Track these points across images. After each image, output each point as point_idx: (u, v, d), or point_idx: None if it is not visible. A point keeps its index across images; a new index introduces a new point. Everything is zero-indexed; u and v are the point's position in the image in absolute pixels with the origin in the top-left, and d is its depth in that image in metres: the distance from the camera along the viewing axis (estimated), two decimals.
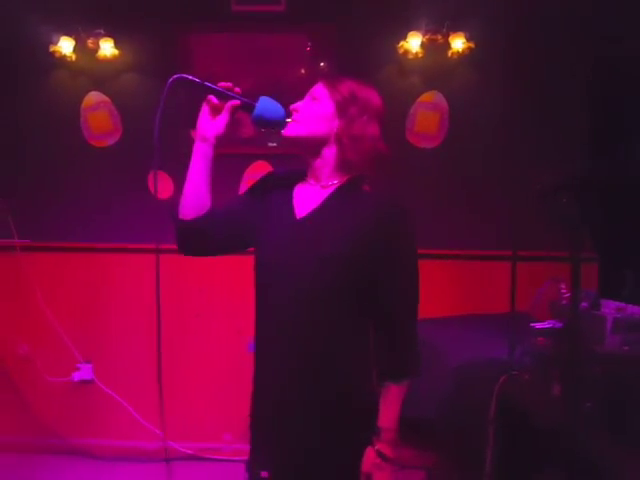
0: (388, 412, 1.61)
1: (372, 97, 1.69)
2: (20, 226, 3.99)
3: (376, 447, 1.59)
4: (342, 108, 1.64)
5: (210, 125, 1.67)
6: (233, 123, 1.69)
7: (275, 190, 1.76)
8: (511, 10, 3.74)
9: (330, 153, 1.67)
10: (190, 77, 1.63)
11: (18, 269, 3.98)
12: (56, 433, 4.02)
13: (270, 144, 3.94)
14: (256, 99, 1.66)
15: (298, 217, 1.66)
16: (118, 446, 3.95)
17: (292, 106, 1.69)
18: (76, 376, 4.02)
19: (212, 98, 1.66)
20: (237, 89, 1.67)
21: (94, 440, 4.00)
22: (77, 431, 4.02)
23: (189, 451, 3.96)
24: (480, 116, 3.88)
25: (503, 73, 3.85)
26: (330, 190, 1.67)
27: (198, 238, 1.72)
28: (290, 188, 1.74)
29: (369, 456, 1.59)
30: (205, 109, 1.68)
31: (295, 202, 1.70)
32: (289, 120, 1.66)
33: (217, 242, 1.74)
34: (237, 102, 1.65)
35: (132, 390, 3.98)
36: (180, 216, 1.71)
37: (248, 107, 1.66)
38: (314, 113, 1.66)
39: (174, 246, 3.66)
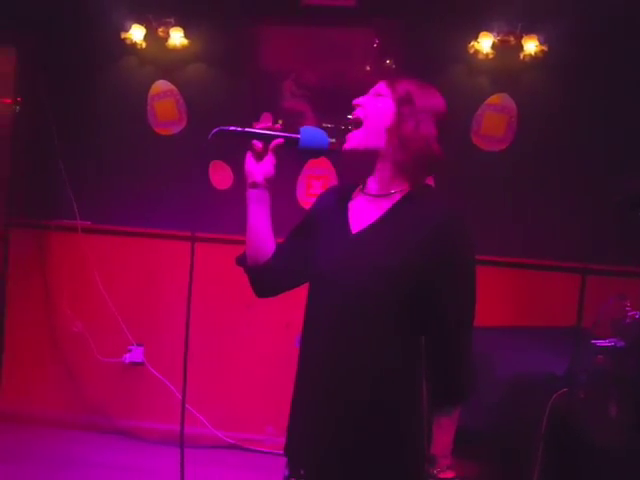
0: (443, 439, 1.56)
1: (431, 99, 1.61)
2: (82, 208, 4.09)
3: (436, 476, 1.54)
4: (399, 103, 1.58)
5: (258, 170, 1.64)
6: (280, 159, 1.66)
7: (331, 205, 1.72)
8: (586, 14, 3.61)
9: (386, 158, 1.60)
10: (231, 128, 1.60)
11: (79, 249, 4.08)
12: (104, 412, 4.10)
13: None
14: (297, 131, 1.63)
15: (353, 232, 1.62)
16: (163, 429, 3.99)
17: (355, 100, 1.65)
18: (127, 358, 4.09)
19: (256, 143, 1.62)
20: (277, 125, 1.64)
21: (140, 422, 4.07)
22: (124, 412, 4.10)
23: (232, 440, 3.98)
24: (550, 121, 3.76)
25: (576, 78, 3.73)
26: (386, 206, 1.61)
27: (270, 280, 1.73)
28: (345, 202, 1.70)
29: None
30: (249, 156, 1.65)
31: (350, 216, 1.66)
32: (333, 140, 1.62)
33: (289, 280, 1.74)
34: (281, 140, 1.62)
35: (181, 376, 4.02)
36: (249, 264, 1.72)
37: (292, 142, 1.62)
38: (373, 108, 1.61)
39: (227, 236, 3.68)
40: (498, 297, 3.60)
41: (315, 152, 1.66)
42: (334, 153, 1.66)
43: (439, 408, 1.55)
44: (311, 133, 1.62)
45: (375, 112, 1.61)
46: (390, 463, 1.54)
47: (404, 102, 1.58)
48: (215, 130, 1.59)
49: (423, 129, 1.57)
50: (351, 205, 1.68)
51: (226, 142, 1.62)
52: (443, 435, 1.55)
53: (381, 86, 1.65)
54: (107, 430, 4.06)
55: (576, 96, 3.72)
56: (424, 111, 1.58)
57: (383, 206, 1.61)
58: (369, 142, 1.60)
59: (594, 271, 2.62)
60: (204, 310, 3.81)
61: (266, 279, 1.72)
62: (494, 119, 3.83)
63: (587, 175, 3.64)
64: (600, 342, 2.16)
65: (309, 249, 1.68)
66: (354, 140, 1.61)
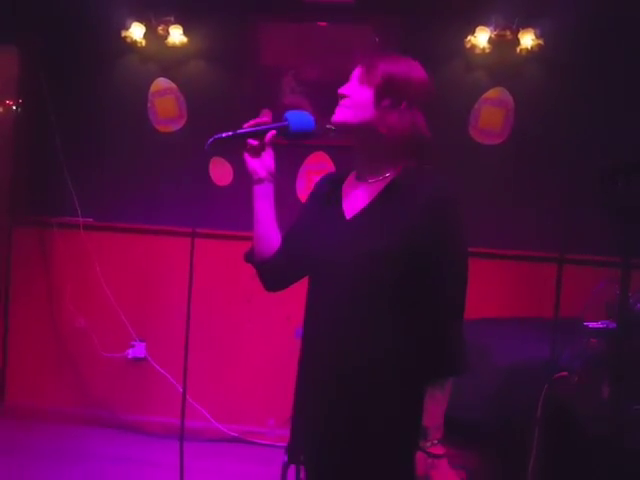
0: (435, 410, 1.56)
1: (412, 77, 1.62)
2: (84, 205, 4.12)
3: (426, 449, 1.55)
4: (378, 96, 1.59)
5: (260, 165, 1.69)
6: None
7: (325, 192, 1.77)
8: (582, 8, 3.64)
9: (374, 142, 1.62)
10: (224, 135, 1.65)
11: (81, 246, 4.11)
12: (107, 407, 4.14)
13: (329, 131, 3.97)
14: (283, 119, 1.68)
15: (348, 217, 1.66)
16: (166, 423, 4.02)
17: (340, 90, 1.65)
18: (130, 353, 4.13)
19: (251, 142, 1.68)
20: (265, 118, 1.70)
21: (143, 416, 4.10)
22: (127, 406, 4.13)
23: (234, 433, 4.01)
24: (547, 114, 3.80)
25: (572, 72, 3.75)
26: (378, 189, 1.64)
27: (278, 274, 1.76)
28: (339, 188, 1.73)
29: (420, 459, 1.55)
30: (247, 156, 1.70)
31: (344, 201, 1.70)
32: (329, 126, 1.66)
33: (295, 271, 1.76)
34: (273, 132, 1.67)
35: (183, 370, 4.05)
36: (257, 258, 1.75)
37: (283, 130, 1.68)
38: (357, 99, 1.61)
39: (227, 232, 3.70)
40: (489, 288, 3.62)
41: (306, 134, 1.69)
42: (324, 132, 1.70)
43: (432, 381, 1.56)
44: (297, 116, 1.67)
45: (356, 101, 1.61)
46: (389, 443, 1.57)
47: (384, 90, 1.59)
48: (210, 140, 1.64)
49: (407, 117, 1.59)
50: (345, 191, 1.72)
51: (223, 147, 1.66)
52: (435, 407, 1.56)
53: (358, 72, 1.64)
54: (110, 424, 4.09)
55: (572, 89, 3.74)
56: (406, 95, 1.60)
57: (375, 189, 1.64)
58: (354, 118, 1.61)
59: (576, 261, 2.68)
60: (205, 305, 3.84)
61: (274, 273, 1.75)
62: (491, 113, 3.87)
63: (584, 168, 3.65)
64: (592, 324, 2.18)
65: (309, 238, 1.72)
66: (340, 115, 1.63)
